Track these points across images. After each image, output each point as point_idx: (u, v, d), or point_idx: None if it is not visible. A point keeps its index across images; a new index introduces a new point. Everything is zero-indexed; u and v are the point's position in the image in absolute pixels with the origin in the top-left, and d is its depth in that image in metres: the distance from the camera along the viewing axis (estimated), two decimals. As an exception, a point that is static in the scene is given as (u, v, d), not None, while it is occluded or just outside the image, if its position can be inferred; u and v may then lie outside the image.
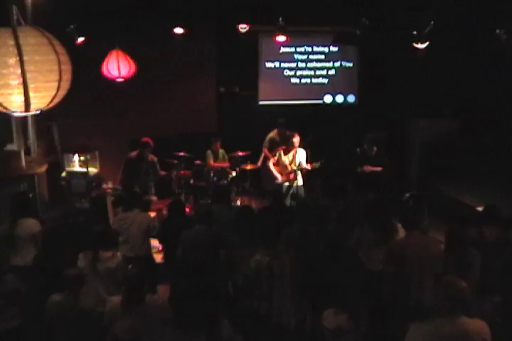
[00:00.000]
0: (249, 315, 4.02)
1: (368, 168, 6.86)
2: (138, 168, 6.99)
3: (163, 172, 7.32)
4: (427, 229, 5.39)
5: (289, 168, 7.16)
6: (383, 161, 6.92)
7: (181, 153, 7.68)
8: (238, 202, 7.73)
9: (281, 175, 7.21)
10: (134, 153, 7.11)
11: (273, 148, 7.73)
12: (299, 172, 7.12)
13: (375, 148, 6.94)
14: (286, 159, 7.20)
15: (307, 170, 7.13)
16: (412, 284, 4.05)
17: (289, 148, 7.17)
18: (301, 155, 7.15)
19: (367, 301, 4.23)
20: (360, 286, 4.02)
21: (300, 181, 7.20)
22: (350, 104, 9.49)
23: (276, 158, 7.33)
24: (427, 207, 5.69)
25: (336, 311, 3.48)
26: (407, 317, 3.82)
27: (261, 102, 9.27)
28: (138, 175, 6.99)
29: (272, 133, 7.97)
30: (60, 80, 3.11)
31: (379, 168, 6.86)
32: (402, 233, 4.51)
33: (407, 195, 6.48)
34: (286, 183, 7.18)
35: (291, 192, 7.11)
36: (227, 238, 4.65)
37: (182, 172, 7.72)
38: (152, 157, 7.10)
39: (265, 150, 7.90)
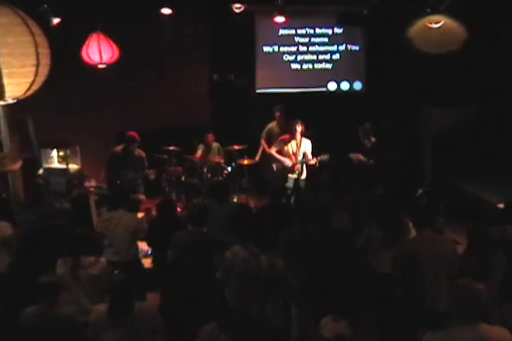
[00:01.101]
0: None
1: (357, 157, 7.02)
2: (123, 163, 6.95)
3: (151, 173, 7.07)
4: (442, 228, 5.41)
5: (293, 160, 7.18)
6: (378, 154, 6.93)
7: (171, 148, 7.67)
8: (235, 201, 7.73)
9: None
10: (118, 148, 7.04)
11: (271, 139, 7.72)
12: (304, 165, 7.19)
13: (373, 139, 6.97)
14: (289, 148, 7.21)
15: (312, 165, 7.15)
16: (424, 288, 4.05)
17: (291, 136, 7.16)
18: (306, 146, 7.19)
19: (375, 307, 4.25)
20: (367, 290, 4.04)
21: (304, 175, 7.26)
22: (357, 92, 9.48)
23: (278, 147, 7.32)
24: (442, 204, 5.70)
25: (334, 318, 3.50)
26: (420, 324, 3.86)
27: (258, 90, 9.25)
28: (124, 172, 6.94)
29: (271, 124, 7.97)
30: (37, 65, 3.06)
31: (365, 159, 6.96)
32: (414, 232, 4.52)
33: (421, 191, 6.48)
34: (294, 176, 7.22)
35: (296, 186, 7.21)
36: (223, 240, 4.64)
37: (173, 168, 7.71)
38: (140, 152, 7.03)
39: (263, 142, 7.89)
